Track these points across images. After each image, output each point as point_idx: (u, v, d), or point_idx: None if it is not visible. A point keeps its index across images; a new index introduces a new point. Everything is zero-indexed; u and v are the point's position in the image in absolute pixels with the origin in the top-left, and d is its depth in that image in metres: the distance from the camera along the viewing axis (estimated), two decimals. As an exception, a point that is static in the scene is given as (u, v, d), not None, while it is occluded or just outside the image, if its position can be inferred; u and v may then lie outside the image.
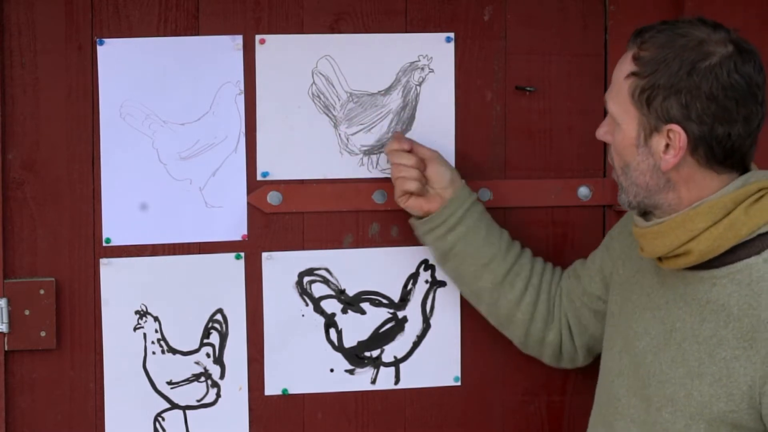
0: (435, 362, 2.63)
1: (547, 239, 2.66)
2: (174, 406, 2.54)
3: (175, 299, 2.52)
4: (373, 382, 2.61)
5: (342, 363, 2.60)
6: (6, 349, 2.45)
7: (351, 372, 2.60)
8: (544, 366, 2.65)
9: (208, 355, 2.54)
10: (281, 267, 2.56)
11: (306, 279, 2.57)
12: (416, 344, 2.63)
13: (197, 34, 2.50)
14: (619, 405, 2.25)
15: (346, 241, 2.59)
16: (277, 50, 2.53)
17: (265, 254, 2.55)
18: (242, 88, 2.52)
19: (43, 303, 2.45)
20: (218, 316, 2.54)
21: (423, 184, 2.46)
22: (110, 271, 2.50)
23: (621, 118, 2.15)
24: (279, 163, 2.55)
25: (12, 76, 2.44)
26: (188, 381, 2.54)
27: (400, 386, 2.62)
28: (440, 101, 2.59)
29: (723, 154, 2.10)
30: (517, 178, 2.64)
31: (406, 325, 2.62)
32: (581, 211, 2.66)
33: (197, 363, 2.54)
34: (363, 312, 2.60)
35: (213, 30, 2.50)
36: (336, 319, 2.59)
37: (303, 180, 2.56)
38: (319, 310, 2.58)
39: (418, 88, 2.58)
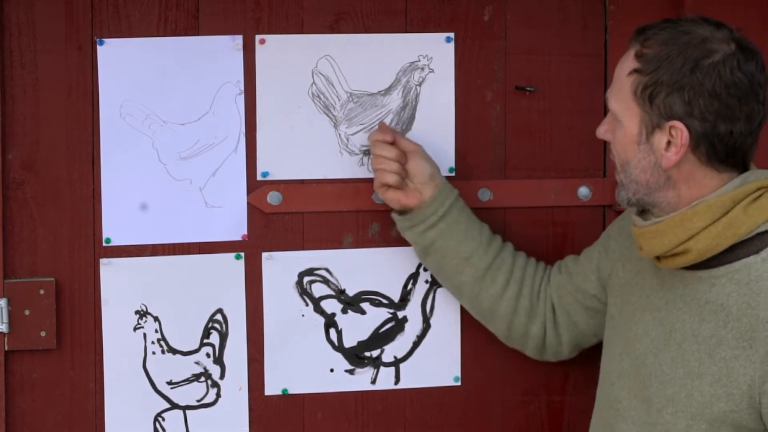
0: (435, 362, 2.63)
1: (547, 239, 2.66)
2: (174, 406, 2.54)
3: (175, 299, 2.52)
4: (373, 382, 2.61)
5: (342, 363, 2.60)
6: (6, 349, 2.45)
7: (351, 372, 2.60)
8: (544, 366, 2.65)
9: (208, 355, 2.54)
10: (281, 267, 2.56)
11: (306, 279, 2.57)
12: (416, 344, 2.63)
13: (197, 34, 2.50)
14: (620, 407, 2.25)
15: (346, 241, 2.59)
16: (277, 50, 2.53)
17: (265, 254, 2.55)
18: (242, 88, 2.52)
19: (43, 303, 2.45)
20: (218, 316, 2.54)
21: (402, 178, 2.45)
22: (110, 271, 2.50)
23: (623, 115, 2.15)
24: (279, 163, 2.55)
25: (12, 76, 2.44)
26: (188, 381, 2.54)
27: (400, 386, 2.62)
28: (440, 101, 2.59)
29: (725, 151, 2.10)
30: (517, 178, 2.64)
31: (406, 325, 2.62)
32: (581, 211, 2.66)
33: (197, 363, 2.54)
34: (363, 312, 2.60)
35: (213, 30, 2.50)
36: (336, 319, 2.59)
37: (303, 180, 2.56)
38: (319, 310, 2.58)
39: (418, 88, 2.58)
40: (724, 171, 2.13)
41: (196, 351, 2.54)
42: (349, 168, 2.57)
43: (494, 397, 2.67)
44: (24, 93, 2.45)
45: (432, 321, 2.63)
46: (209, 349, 2.54)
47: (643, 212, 2.22)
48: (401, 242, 2.60)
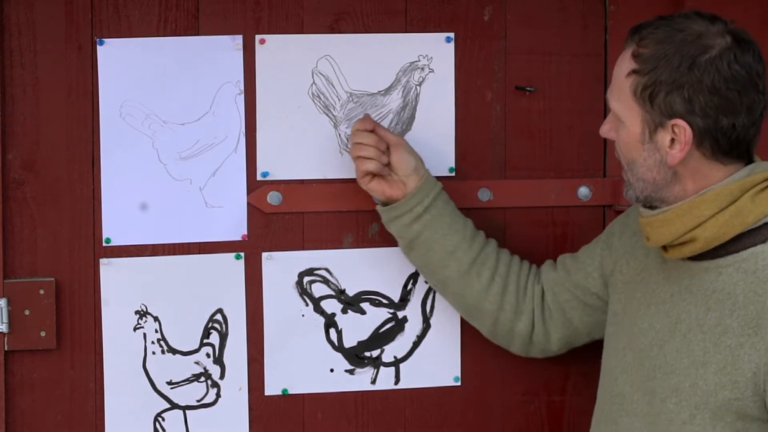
0: (435, 362, 2.63)
1: (547, 239, 2.66)
2: (174, 406, 2.54)
3: (175, 299, 2.52)
4: (373, 382, 2.61)
5: (342, 363, 2.60)
6: (6, 349, 2.45)
7: (351, 372, 2.60)
8: (544, 366, 2.65)
9: (208, 355, 2.54)
10: (281, 267, 2.56)
11: (306, 279, 2.57)
12: (416, 344, 2.62)
13: (197, 34, 2.50)
14: (623, 401, 2.26)
15: (346, 241, 2.59)
16: (277, 50, 2.53)
17: (265, 254, 2.55)
18: (242, 88, 2.52)
19: (43, 303, 2.45)
20: (218, 316, 2.54)
21: (383, 165, 2.44)
22: (110, 271, 2.50)
23: (624, 116, 2.15)
24: (279, 163, 2.55)
25: (12, 76, 2.44)
26: (188, 381, 2.54)
27: (400, 386, 2.62)
28: (440, 101, 2.59)
29: (728, 145, 2.11)
30: (517, 178, 2.64)
31: (406, 325, 2.62)
32: (581, 211, 2.66)
33: (197, 363, 2.54)
34: (363, 312, 2.60)
35: (213, 30, 2.50)
36: (336, 319, 2.59)
37: (303, 180, 2.56)
38: (319, 310, 2.58)
39: (418, 88, 2.58)
40: (729, 163, 2.14)
41: (196, 351, 2.54)
42: (349, 168, 2.57)
43: (494, 397, 2.66)
44: (24, 93, 2.45)
45: (432, 321, 2.63)
46: (209, 349, 2.54)
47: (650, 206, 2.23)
48: (401, 242, 2.60)
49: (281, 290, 2.56)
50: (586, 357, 2.64)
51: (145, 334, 2.52)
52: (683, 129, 2.10)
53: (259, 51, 2.52)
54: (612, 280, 2.40)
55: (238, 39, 2.51)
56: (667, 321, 2.20)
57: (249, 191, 2.54)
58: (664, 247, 2.20)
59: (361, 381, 2.61)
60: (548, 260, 2.54)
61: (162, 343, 2.52)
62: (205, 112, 2.51)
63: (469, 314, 2.54)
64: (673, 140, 2.12)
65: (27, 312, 2.45)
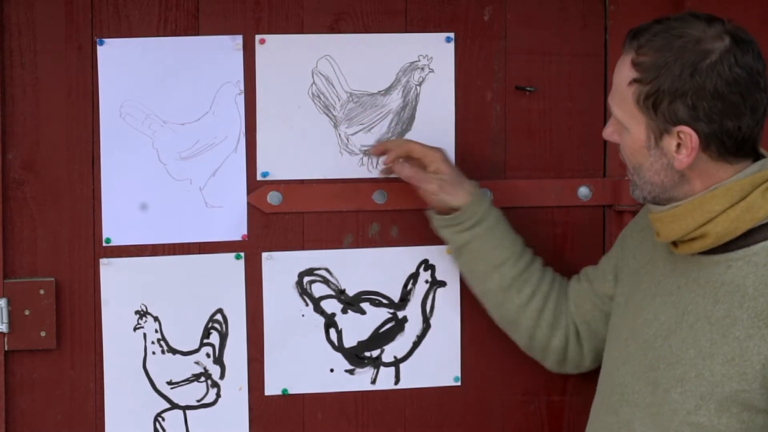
0: (435, 362, 2.63)
1: (547, 239, 2.66)
2: (174, 406, 2.54)
3: (175, 299, 2.52)
4: (373, 382, 2.61)
5: (342, 363, 2.60)
6: (6, 349, 2.45)
7: (351, 372, 2.60)
8: (544, 366, 2.65)
9: (208, 355, 2.54)
10: (281, 267, 2.56)
11: (306, 279, 2.57)
12: (416, 344, 2.62)
13: (197, 34, 2.50)
14: (624, 392, 2.26)
15: (346, 241, 2.59)
16: (277, 50, 2.53)
17: (265, 254, 2.55)
18: (242, 88, 2.52)
19: (43, 303, 2.45)
20: (218, 316, 2.54)
21: (440, 180, 2.46)
22: (110, 271, 2.50)
23: (628, 123, 2.16)
24: (279, 163, 2.55)
25: (12, 76, 2.44)
26: (188, 381, 2.54)
27: (400, 386, 2.62)
28: (440, 101, 2.59)
29: (735, 146, 2.12)
30: (517, 178, 2.64)
31: (406, 325, 2.62)
32: (581, 211, 2.66)
33: (197, 363, 2.54)
34: (363, 312, 2.60)
35: (213, 30, 2.50)
36: (336, 319, 2.59)
37: (303, 180, 2.56)
38: (319, 310, 2.58)
39: (418, 88, 2.58)
40: (736, 162, 2.14)
41: (196, 351, 2.54)
42: (349, 168, 2.57)
43: (494, 397, 2.66)
44: (24, 93, 2.45)
45: (432, 321, 2.63)
46: (209, 349, 2.54)
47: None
48: (401, 242, 2.60)
49: (281, 290, 2.56)
50: (586, 357, 2.64)
51: (145, 334, 2.52)
52: (689, 135, 2.10)
53: (259, 51, 2.52)
54: (620, 275, 2.40)
55: (238, 39, 2.51)
56: (674, 312, 2.20)
57: (249, 191, 2.54)
58: (674, 244, 2.20)
59: (361, 381, 2.61)
60: (575, 275, 2.55)
61: (162, 343, 2.52)
62: (205, 112, 2.51)
63: (507, 327, 2.54)
64: (679, 145, 2.12)
65: (27, 312, 2.45)
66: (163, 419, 2.54)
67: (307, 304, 2.58)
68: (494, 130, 2.62)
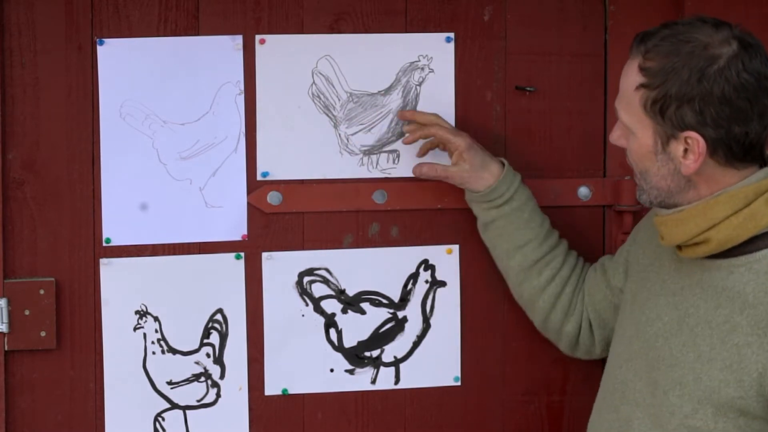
0: (435, 362, 2.63)
1: (547, 239, 2.66)
2: (174, 406, 2.54)
3: (175, 299, 2.52)
4: (373, 382, 2.61)
5: (342, 363, 2.60)
6: (6, 349, 2.45)
7: (351, 372, 2.60)
8: (544, 366, 2.66)
9: (208, 355, 2.54)
10: (281, 267, 2.56)
11: (306, 279, 2.57)
12: (416, 344, 2.63)
13: (197, 34, 2.50)
14: (626, 390, 2.26)
15: (346, 241, 2.59)
16: (277, 50, 2.53)
17: (265, 254, 2.55)
18: (242, 88, 2.52)
19: (43, 303, 2.45)
20: (218, 316, 2.54)
21: (465, 169, 2.48)
22: (110, 271, 2.50)
23: (635, 128, 2.16)
24: (279, 163, 2.55)
25: (12, 76, 2.44)
26: (188, 381, 2.54)
27: (400, 386, 2.62)
28: (440, 101, 2.59)
29: (742, 151, 2.11)
30: (517, 178, 2.64)
31: (406, 325, 2.62)
32: (581, 211, 2.66)
33: (197, 363, 2.54)
34: (363, 312, 2.60)
35: (213, 30, 2.50)
36: (336, 319, 2.59)
37: (303, 180, 2.56)
38: (319, 310, 2.58)
39: (418, 88, 2.58)
40: (743, 168, 2.14)
41: (196, 351, 2.54)
42: (349, 168, 2.57)
43: (494, 397, 2.67)
44: (24, 93, 2.45)
45: (432, 321, 2.63)
46: (209, 349, 2.54)
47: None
48: (401, 242, 2.60)
49: (281, 290, 2.56)
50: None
51: (145, 334, 2.52)
52: (696, 140, 2.10)
53: (259, 51, 2.52)
54: (630, 270, 2.40)
55: (238, 39, 2.51)
56: (675, 314, 2.20)
57: (249, 191, 2.54)
58: (679, 247, 2.20)
59: (361, 381, 2.61)
60: (595, 263, 2.55)
61: (162, 343, 2.52)
62: (205, 112, 2.51)
63: (525, 306, 2.57)
64: (686, 150, 2.12)
65: (27, 312, 2.45)
66: (163, 419, 2.54)
67: (307, 304, 2.58)
68: (494, 130, 2.62)
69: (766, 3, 2.63)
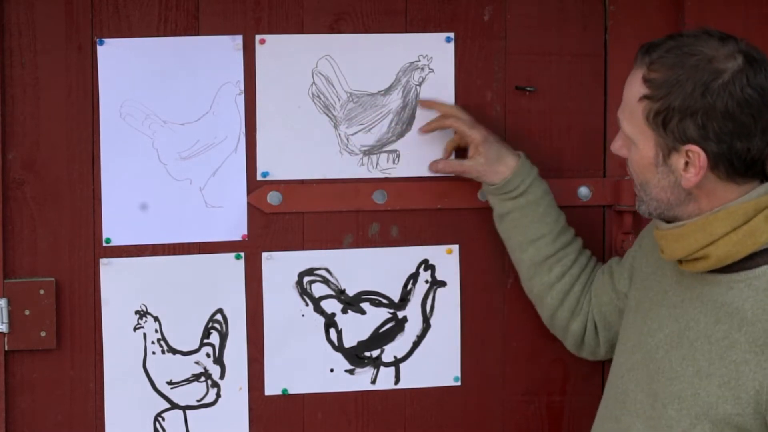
0: (435, 362, 2.63)
1: (547, 239, 2.66)
2: (174, 406, 2.54)
3: (175, 299, 2.52)
4: (373, 382, 2.61)
5: (342, 363, 2.60)
6: (6, 349, 2.45)
7: (351, 372, 2.60)
8: (544, 366, 2.66)
9: (208, 355, 2.54)
10: (281, 267, 2.56)
11: (306, 279, 2.57)
12: (416, 344, 2.62)
13: (197, 34, 2.50)
14: (627, 400, 2.26)
15: (346, 241, 2.59)
16: (277, 50, 2.53)
17: (265, 254, 2.55)
18: (242, 88, 2.52)
19: (43, 303, 2.45)
20: (218, 316, 2.54)
21: (481, 163, 2.49)
22: (110, 271, 2.50)
23: (637, 139, 2.15)
24: (279, 163, 2.55)
25: (12, 76, 2.44)
26: (188, 381, 2.54)
27: (400, 386, 2.62)
28: (440, 101, 2.59)
29: (743, 167, 2.11)
30: (517, 178, 2.64)
31: (406, 325, 2.62)
32: (581, 211, 2.66)
33: (197, 363, 2.54)
34: (363, 312, 2.60)
35: (213, 30, 2.50)
36: (336, 319, 2.59)
37: (303, 180, 2.56)
38: (319, 310, 2.58)
39: (418, 88, 2.58)
40: (743, 183, 2.13)
41: (196, 351, 2.54)
42: (349, 168, 2.57)
43: (494, 397, 2.66)
44: (24, 93, 2.45)
45: (432, 321, 2.63)
46: (209, 349, 2.54)
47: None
48: (401, 242, 2.60)
49: (281, 290, 2.56)
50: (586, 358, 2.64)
51: (145, 334, 2.52)
52: (697, 154, 2.09)
53: (259, 51, 2.52)
54: (634, 276, 2.40)
55: (238, 39, 2.51)
56: (676, 326, 2.20)
57: (249, 191, 2.54)
58: (679, 261, 2.20)
59: (361, 381, 2.61)
60: (605, 264, 2.55)
61: (162, 343, 2.52)
62: (205, 112, 2.51)
63: (534, 300, 2.57)
64: (687, 163, 2.11)
65: (27, 312, 2.45)
66: (163, 419, 2.54)
67: (307, 304, 2.58)
68: (494, 130, 2.61)
69: (766, 3, 2.63)
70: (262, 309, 2.56)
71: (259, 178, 2.54)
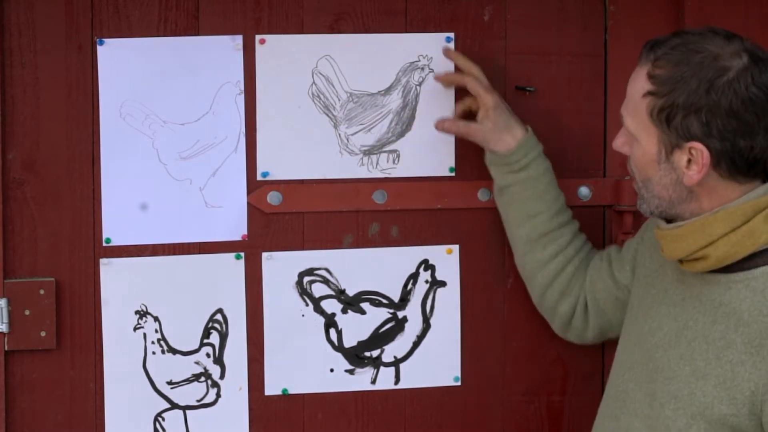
0: (435, 362, 2.63)
1: (547, 239, 2.66)
2: (174, 406, 2.54)
3: (175, 299, 2.52)
4: (373, 382, 2.61)
5: (342, 363, 2.60)
6: (6, 349, 2.45)
7: (351, 372, 2.60)
8: (544, 366, 2.66)
9: (208, 355, 2.54)
10: (281, 267, 2.56)
11: (306, 279, 2.57)
12: (416, 344, 2.62)
13: (197, 34, 2.50)
14: (626, 399, 2.26)
15: (346, 241, 2.59)
16: (277, 50, 2.53)
17: (265, 254, 2.55)
18: (242, 88, 2.52)
19: (43, 303, 2.45)
20: (218, 316, 2.54)
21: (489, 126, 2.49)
22: (110, 271, 2.50)
23: (640, 135, 2.15)
24: (279, 163, 2.55)
25: (12, 76, 2.44)
26: (188, 381, 2.54)
27: (400, 386, 2.62)
28: (440, 101, 2.59)
29: (746, 166, 2.11)
30: (517, 178, 2.64)
31: (406, 325, 2.62)
32: (581, 211, 2.66)
33: (197, 363, 2.54)
34: (363, 312, 2.60)
35: (213, 30, 2.50)
36: (336, 319, 2.59)
37: (303, 180, 2.56)
38: (319, 310, 2.58)
39: (418, 88, 2.58)
40: (745, 182, 2.13)
41: (196, 351, 2.54)
42: (349, 168, 2.57)
43: (494, 397, 2.66)
44: (24, 93, 2.45)
45: (432, 321, 2.63)
46: (209, 349, 2.54)
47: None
48: (401, 242, 2.60)
49: (281, 290, 2.56)
50: (586, 357, 2.64)
51: (145, 334, 2.52)
52: (700, 152, 2.09)
53: (259, 51, 2.52)
54: (636, 272, 2.40)
55: (238, 39, 2.51)
56: (675, 325, 2.20)
57: (249, 191, 2.54)
58: (680, 260, 2.20)
59: (361, 381, 2.61)
60: (602, 250, 2.55)
61: (162, 343, 2.52)
62: (205, 112, 2.51)
63: (525, 279, 2.57)
64: (689, 161, 2.11)
65: (27, 312, 2.45)
66: (163, 419, 2.54)
67: (307, 304, 2.58)
68: (494, 130, 2.62)
69: (766, 3, 2.63)
70: (262, 309, 2.56)
71: (259, 178, 2.54)
